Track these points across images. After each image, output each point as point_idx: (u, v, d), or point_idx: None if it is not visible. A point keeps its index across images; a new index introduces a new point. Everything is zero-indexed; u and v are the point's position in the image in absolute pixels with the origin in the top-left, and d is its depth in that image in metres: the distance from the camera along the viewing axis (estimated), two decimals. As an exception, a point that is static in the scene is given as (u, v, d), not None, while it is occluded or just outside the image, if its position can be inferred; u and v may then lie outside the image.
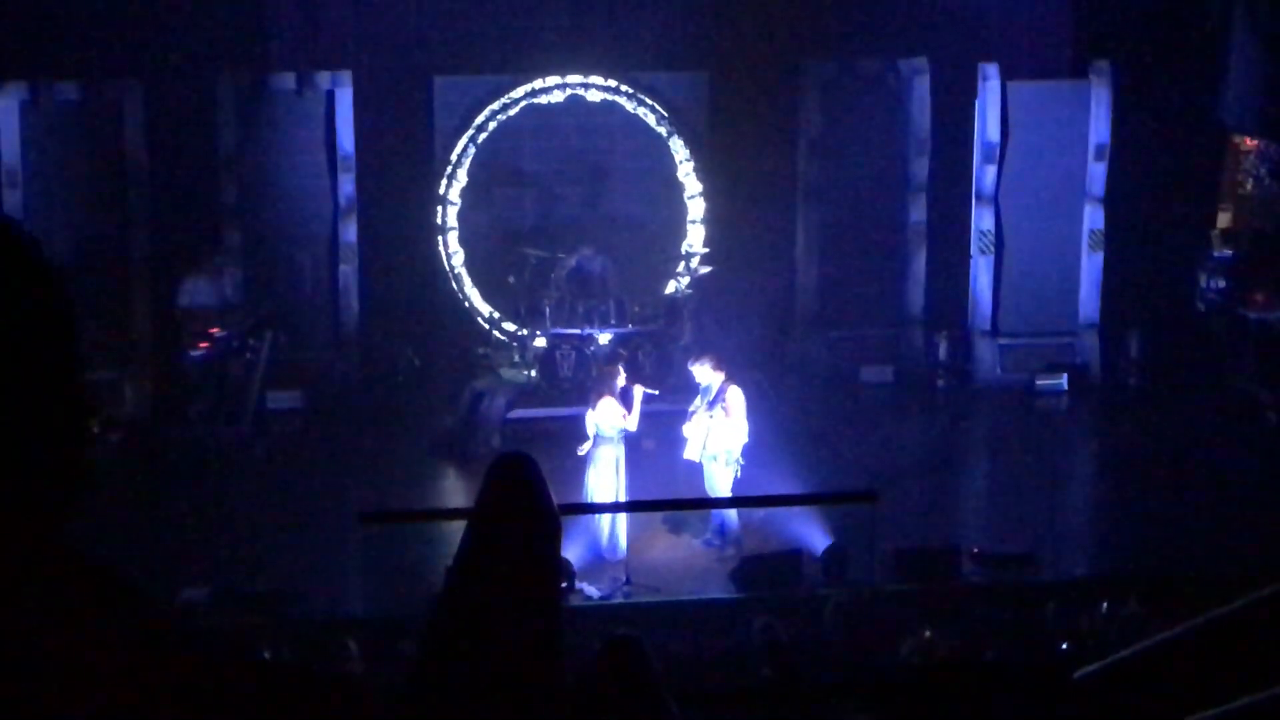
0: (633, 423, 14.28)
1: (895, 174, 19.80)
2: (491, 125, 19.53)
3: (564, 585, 12.99)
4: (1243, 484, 16.36)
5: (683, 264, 19.89)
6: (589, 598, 13.49)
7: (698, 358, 14.93)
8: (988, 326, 19.81)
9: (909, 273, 19.92)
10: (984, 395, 19.56)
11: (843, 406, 18.79)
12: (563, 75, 19.48)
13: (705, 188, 19.94)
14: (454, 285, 19.71)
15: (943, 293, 19.90)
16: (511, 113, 19.55)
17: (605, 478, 14.17)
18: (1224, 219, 20.11)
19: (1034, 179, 19.55)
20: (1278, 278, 19.37)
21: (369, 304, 19.35)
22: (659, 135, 19.87)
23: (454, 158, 19.53)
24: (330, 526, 14.69)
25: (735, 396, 14.43)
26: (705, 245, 19.86)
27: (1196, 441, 17.80)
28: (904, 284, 19.94)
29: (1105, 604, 12.10)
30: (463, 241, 19.67)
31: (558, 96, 19.58)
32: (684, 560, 14.54)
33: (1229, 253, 19.63)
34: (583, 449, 14.27)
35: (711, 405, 14.40)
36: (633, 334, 18.38)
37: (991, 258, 19.70)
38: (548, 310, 18.47)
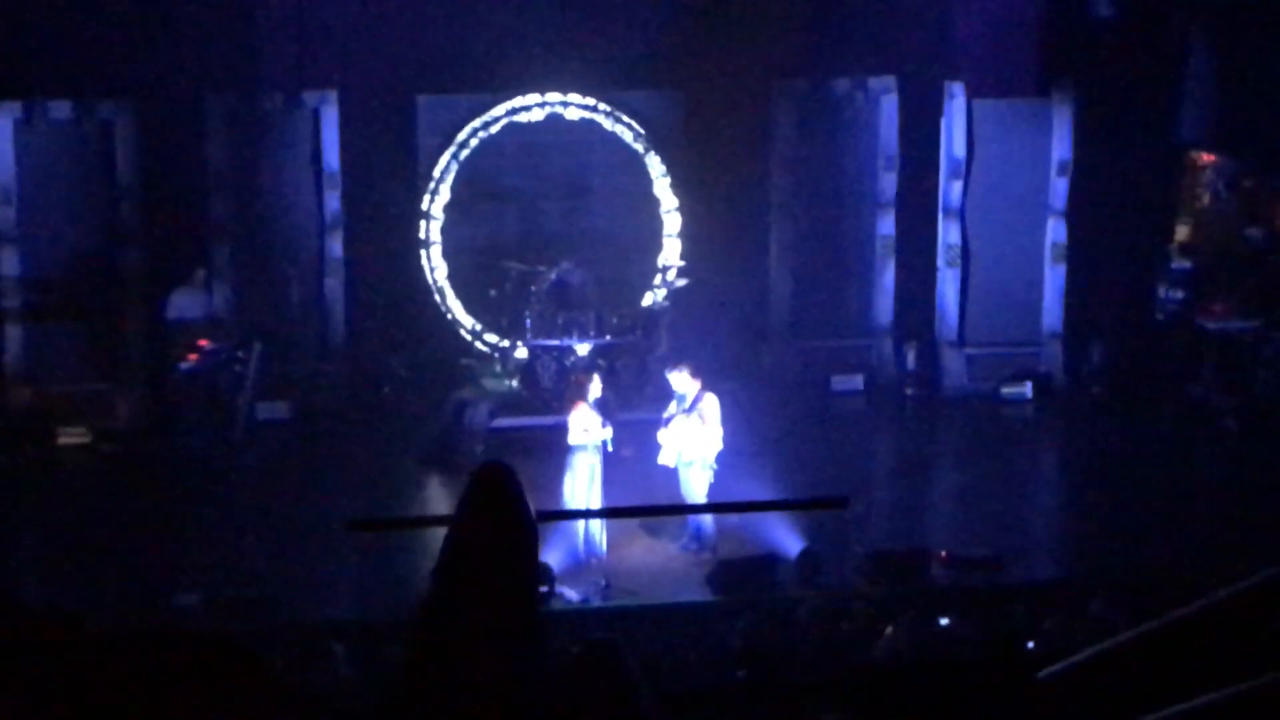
0: (607, 433, 14.41)
1: (864, 189, 19.83)
2: (473, 142, 19.49)
3: (543, 589, 13.07)
4: (1201, 489, 16.63)
5: (659, 276, 19.94)
6: (568, 601, 13.61)
7: (675, 366, 15.03)
8: (954, 337, 19.85)
9: (878, 285, 19.97)
10: (951, 403, 19.61)
11: (814, 415, 18.84)
12: (542, 94, 19.45)
13: (681, 203, 19.91)
14: (438, 298, 19.63)
15: (911, 304, 19.95)
16: (493, 130, 19.50)
17: (582, 485, 14.25)
18: (1182, 232, 20.04)
19: (999, 194, 19.62)
20: (1234, 288, 19.48)
21: (355, 317, 19.33)
22: (636, 152, 19.82)
23: (437, 174, 19.47)
24: (318, 534, 14.82)
25: (711, 404, 14.58)
26: (681, 258, 19.86)
27: (1157, 448, 17.96)
28: (873, 296, 19.98)
29: (1069, 605, 12.32)
30: (446, 256, 19.61)
31: (538, 114, 19.54)
32: (661, 564, 14.67)
33: (1187, 264, 19.65)
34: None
35: (688, 412, 14.56)
36: (611, 345, 18.27)
37: (958, 270, 19.75)
38: (529, 322, 18.41)
